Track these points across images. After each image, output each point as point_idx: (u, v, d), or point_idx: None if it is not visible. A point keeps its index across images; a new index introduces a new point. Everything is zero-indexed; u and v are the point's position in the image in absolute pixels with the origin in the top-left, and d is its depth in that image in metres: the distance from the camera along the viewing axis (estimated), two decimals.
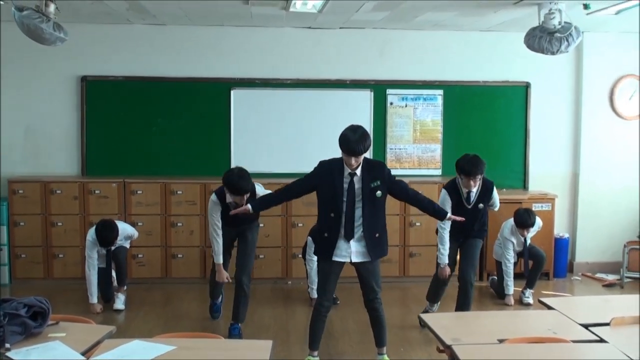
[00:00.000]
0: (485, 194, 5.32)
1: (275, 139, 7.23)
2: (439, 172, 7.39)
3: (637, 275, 7.04)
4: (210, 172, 6.97)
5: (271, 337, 4.71)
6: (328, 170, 4.41)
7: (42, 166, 7.08)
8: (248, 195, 5.04)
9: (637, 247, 7.01)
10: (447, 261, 5.31)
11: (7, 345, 3.03)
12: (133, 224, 6.58)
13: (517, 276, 6.48)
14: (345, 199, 4.35)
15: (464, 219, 4.75)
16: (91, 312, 5.79)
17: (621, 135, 7.43)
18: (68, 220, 6.75)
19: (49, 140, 7.09)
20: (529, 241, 6.33)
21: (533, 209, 6.77)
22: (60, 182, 6.80)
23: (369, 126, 7.14)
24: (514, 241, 6.31)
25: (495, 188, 5.40)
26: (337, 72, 7.25)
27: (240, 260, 5.34)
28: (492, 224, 6.81)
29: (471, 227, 5.28)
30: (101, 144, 7.12)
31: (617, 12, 5.77)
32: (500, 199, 5.57)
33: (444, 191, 5.34)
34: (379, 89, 7.30)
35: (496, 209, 5.55)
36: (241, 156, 7.08)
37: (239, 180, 4.99)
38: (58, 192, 6.73)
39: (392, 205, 6.59)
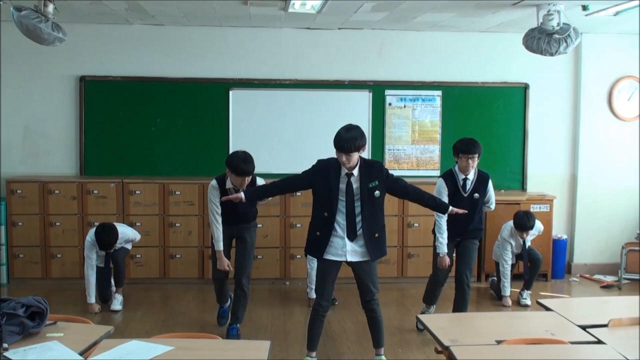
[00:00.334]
0: (481, 183, 5.27)
1: (274, 140, 7.23)
2: (437, 173, 7.34)
3: (636, 277, 7.04)
4: (208, 173, 6.91)
5: (269, 338, 4.74)
6: (324, 169, 4.40)
7: (41, 166, 7.07)
8: (249, 179, 5.04)
9: (636, 248, 7.01)
10: (446, 250, 5.21)
11: (5, 345, 3.03)
12: (131, 224, 6.59)
13: (515, 277, 6.49)
14: (344, 199, 4.35)
15: (466, 211, 4.69)
16: (89, 312, 5.78)
17: (620, 136, 7.43)
18: (66, 220, 6.74)
19: (48, 140, 7.08)
20: (528, 244, 6.33)
21: (531, 210, 6.78)
22: (59, 182, 6.79)
23: (367, 127, 7.15)
24: (513, 243, 6.31)
25: (491, 182, 5.35)
26: (336, 73, 7.25)
27: (239, 262, 5.33)
28: (492, 226, 6.86)
29: (470, 219, 5.19)
30: (100, 144, 7.12)
31: (616, 14, 5.76)
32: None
33: (440, 179, 5.30)
34: (378, 89, 7.30)
35: (492, 207, 5.46)
36: None
37: (243, 161, 4.99)
38: (56, 192, 6.73)
39: (391, 206, 6.64)
